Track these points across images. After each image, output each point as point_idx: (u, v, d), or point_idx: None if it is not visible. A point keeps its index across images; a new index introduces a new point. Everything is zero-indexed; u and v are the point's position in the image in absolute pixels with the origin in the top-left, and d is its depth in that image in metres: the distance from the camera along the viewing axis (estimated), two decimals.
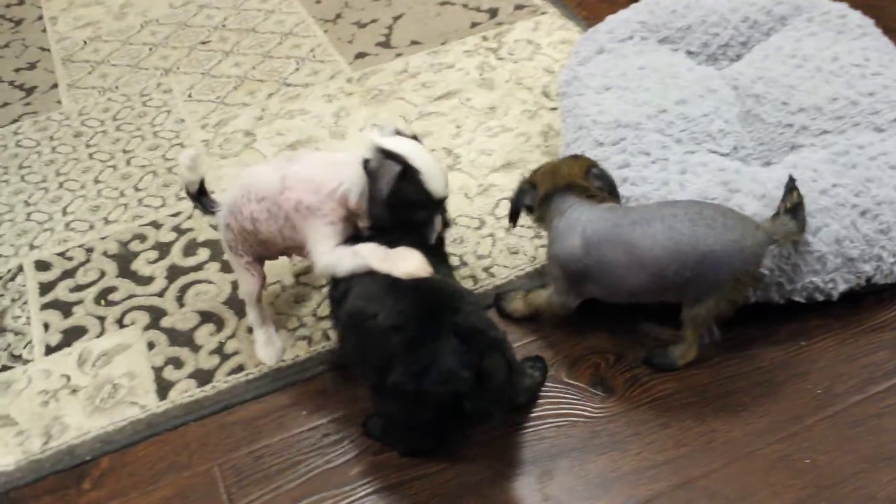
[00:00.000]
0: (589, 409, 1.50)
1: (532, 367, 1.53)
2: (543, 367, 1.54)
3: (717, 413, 1.47)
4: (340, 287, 1.42)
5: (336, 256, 1.42)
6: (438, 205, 1.45)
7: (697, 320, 1.46)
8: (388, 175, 1.39)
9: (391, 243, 1.41)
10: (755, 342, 1.57)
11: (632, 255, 1.42)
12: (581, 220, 1.48)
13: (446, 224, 1.50)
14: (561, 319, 1.59)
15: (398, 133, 1.47)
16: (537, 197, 1.54)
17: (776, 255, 1.52)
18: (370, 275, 1.37)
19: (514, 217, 1.59)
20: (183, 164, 1.57)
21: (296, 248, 1.53)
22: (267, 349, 1.65)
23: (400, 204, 1.41)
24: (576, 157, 1.60)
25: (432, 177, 1.41)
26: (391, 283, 1.35)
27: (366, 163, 1.41)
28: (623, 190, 1.65)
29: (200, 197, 1.62)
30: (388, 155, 1.40)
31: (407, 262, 1.37)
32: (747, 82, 1.86)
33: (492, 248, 1.81)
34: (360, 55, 2.48)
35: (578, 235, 1.47)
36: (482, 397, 1.28)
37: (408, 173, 1.39)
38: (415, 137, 1.48)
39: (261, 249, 1.58)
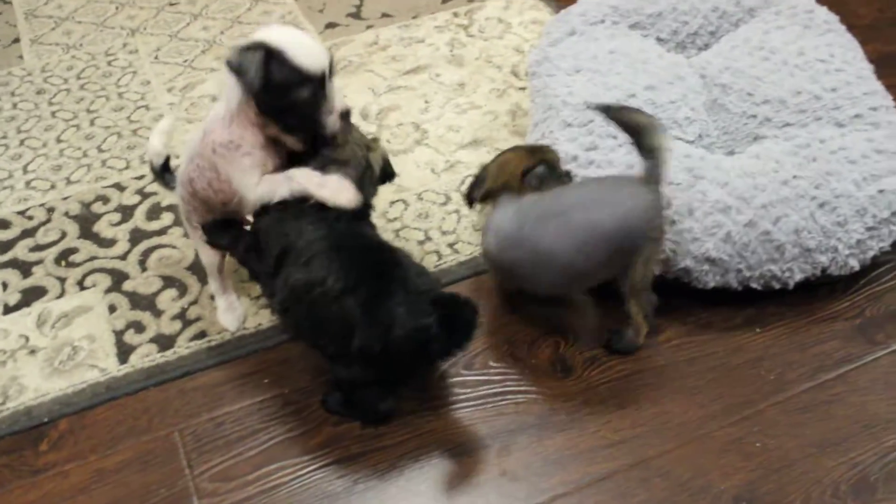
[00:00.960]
0: (548, 387, 1.52)
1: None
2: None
3: (673, 395, 1.50)
4: (266, 259, 1.39)
5: (269, 185, 1.39)
6: (318, 81, 1.35)
7: (635, 288, 1.49)
8: (252, 64, 1.31)
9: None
10: (712, 327, 1.61)
11: (536, 255, 1.45)
12: (496, 219, 1.51)
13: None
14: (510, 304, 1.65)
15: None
16: (482, 193, 1.55)
17: (736, 243, 1.55)
18: (305, 241, 1.35)
19: (470, 203, 1.59)
20: (159, 131, 1.57)
21: (230, 201, 1.46)
22: (228, 315, 1.65)
23: (276, 90, 1.33)
24: (531, 152, 1.58)
25: (300, 51, 1.32)
26: (330, 245, 1.33)
27: (228, 64, 1.33)
28: (590, 172, 1.67)
29: (164, 173, 1.62)
30: (248, 48, 1.32)
31: (344, 193, 1.35)
32: (715, 72, 1.89)
33: (457, 224, 1.82)
34: (331, 25, 2.46)
35: (493, 235, 1.51)
36: (449, 338, 1.31)
37: (272, 56, 1.31)
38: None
39: (207, 214, 1.54)
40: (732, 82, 1.84)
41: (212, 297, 1.68)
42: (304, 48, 1.33)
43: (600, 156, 1.69)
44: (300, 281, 1.33)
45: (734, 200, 1.57)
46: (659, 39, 2.02)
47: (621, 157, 1.68)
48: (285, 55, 1.31)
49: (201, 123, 1.47)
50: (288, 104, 1.35)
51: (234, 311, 1.65)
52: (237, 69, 1.33)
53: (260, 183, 1.40)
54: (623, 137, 1.71)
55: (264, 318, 1.65)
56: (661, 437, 1.44)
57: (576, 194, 1.49)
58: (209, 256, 1.61)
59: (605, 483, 1.39)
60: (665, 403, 1.49)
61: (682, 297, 1.63)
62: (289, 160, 1.43)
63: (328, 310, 1.32)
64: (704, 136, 1.79)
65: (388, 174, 1.49)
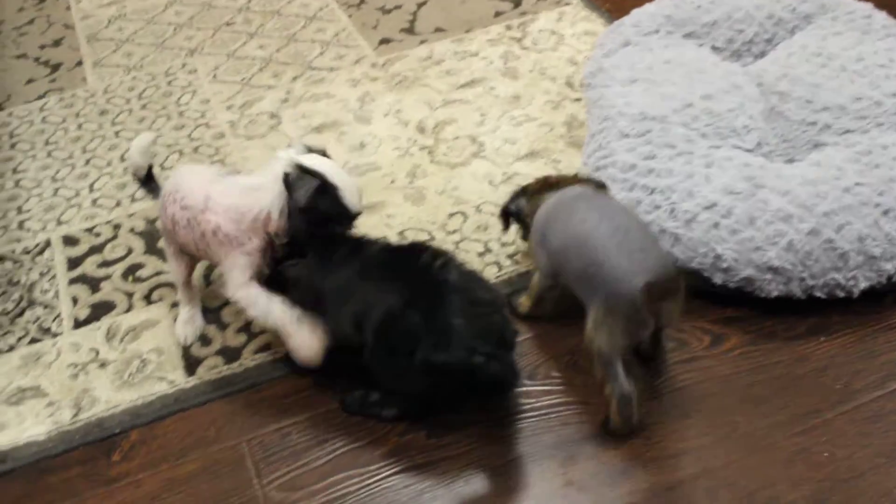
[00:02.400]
0: None
1: None
2: None
3: (738, 405, 1.49)
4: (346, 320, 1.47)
5: (252, 297, 1.50)
6: (353, 219, 1.52)
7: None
8: (306, 187, 1.45)
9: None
10: (776, 336, 1.60)
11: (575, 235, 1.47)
12: (547, 205, 1.56)
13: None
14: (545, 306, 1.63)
15: (311, 150, 1.51)
16: (528, 196, 1.63)
17: (799, 251, 1.54)
18: (351, 276, 1.46)
19: (506, 221, 1.69)
20: (135, 148, 1.65)
21: (208, 259, 1.62)
22: (186, 327, 1.69)
23: (317, 217, 1.46)
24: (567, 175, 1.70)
25: (349, 192, 1.47)
26: (379, 265, 1.46)
27: (286, 176, 1.45)
28: (648, 181, 1.68)
29: (148, 182, 1.69)
30: (306, 171, 1.46)
31: (305, 350, 1.48)
32: (772, 79, 1.88)
33: (516, 235, 1.83)
34: (385, 41, 2.49)
35: (543, 213, 1.55)
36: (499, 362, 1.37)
37: (326, 188, 1.45)
38: (325, 153, 1.53)
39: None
40: (790, 90, 1.83)
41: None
42: (352, 191, 1.48)
43: (658, 164, 1.70)
44: (382, 312, 1.40)
45: (796, 209, 1.57)
46: (714, 48, 2.02)
47: (679, 167, 1.68)
48: (338, 192, 1.46)
49: (207, 184, 1.54)
50: (321, 232, 1.49)
51: (193, 324, 1.69)
52: (291, 186, 1.45)
53: (245, 287, 1.50)
54: (681, 147, 1.72)
55: None
56: (726, 447, 1.44)
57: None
58: (177, 271, 1.67)
59: (672, 493, 1.38)
60: (730, 413, 1.48)
61: (745, 306, 1.62)
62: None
63: (398, 329, 1.38)
64: (763, 145, 1.78)
65: None
